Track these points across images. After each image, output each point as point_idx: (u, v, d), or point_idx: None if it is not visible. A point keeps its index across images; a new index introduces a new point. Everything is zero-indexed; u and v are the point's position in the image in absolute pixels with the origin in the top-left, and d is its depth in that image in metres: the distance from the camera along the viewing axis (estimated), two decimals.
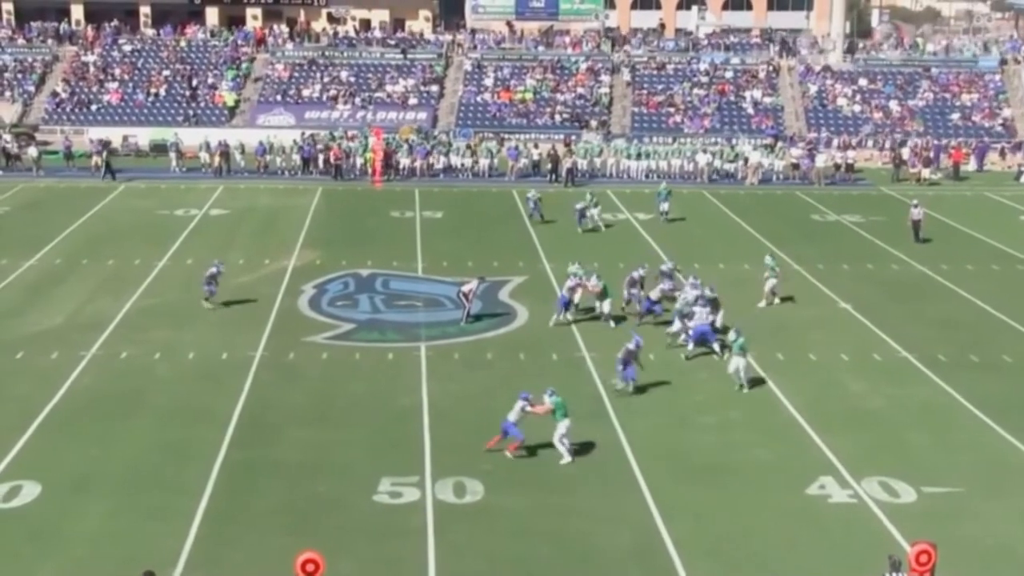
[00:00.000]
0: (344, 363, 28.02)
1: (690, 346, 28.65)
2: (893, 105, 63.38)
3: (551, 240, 41.03)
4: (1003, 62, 66.56)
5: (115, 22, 71.66)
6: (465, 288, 31.52)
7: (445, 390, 26.19)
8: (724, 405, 25.19)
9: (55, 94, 64.11)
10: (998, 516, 20.51)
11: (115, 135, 57.62)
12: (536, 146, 56.58)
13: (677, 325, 29.24)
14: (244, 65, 66.55)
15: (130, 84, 65.02)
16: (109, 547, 18.89)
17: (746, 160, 54.21)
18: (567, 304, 30.80)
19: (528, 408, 22.41)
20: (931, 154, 55.95)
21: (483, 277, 32.69)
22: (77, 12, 75.54)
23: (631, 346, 25.75)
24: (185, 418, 24.48)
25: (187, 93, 63.97)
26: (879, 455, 22.96)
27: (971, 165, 57.43)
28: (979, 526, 19.98)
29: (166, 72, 66.07)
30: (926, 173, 54.23)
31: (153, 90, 64.34)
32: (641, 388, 26.09)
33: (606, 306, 30.91)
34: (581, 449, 22.87)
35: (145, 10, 75.73)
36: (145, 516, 19.94)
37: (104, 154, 52.32)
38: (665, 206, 45.11)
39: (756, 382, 26.76)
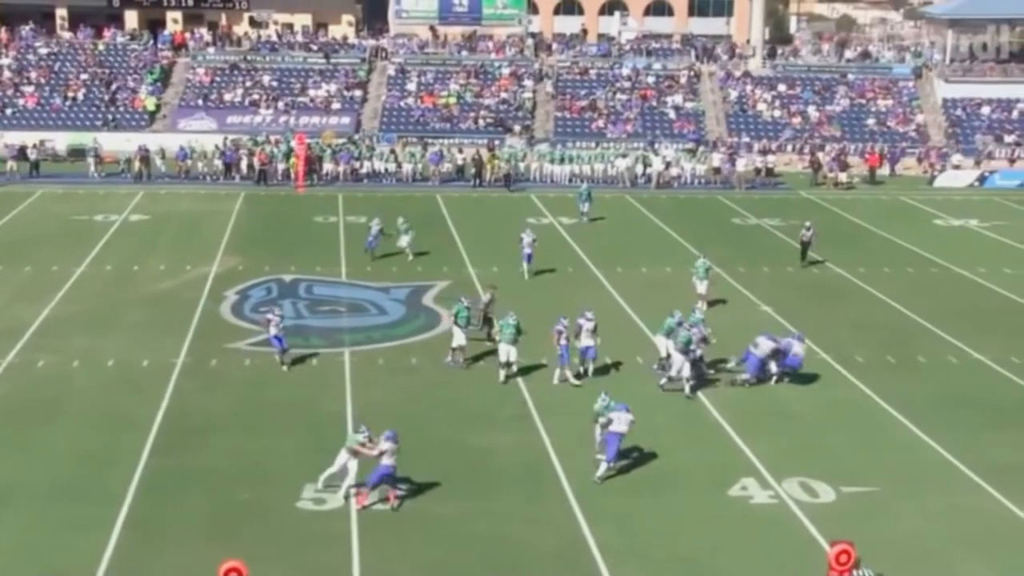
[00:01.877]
0: (267, 369, 27.79)
1: (747, 375, 26.97)
2: (811, 110, 64.35)
3: (476, 245, 41.08)
4: (917, 71, 67.88)
5: (31, 24, 70.34)
6: (483, 305, 29.81)
7: (369, 396, 26.11)
8: (649, 409, 25.29)
9: None
10: (914, 514, 20.95)
11: (31, 139, 56.47)
12: (461, 151, 56.59)
13: (679, 361, 26.51)
14: (158, 69, 65.58)
15: (47, 88, 63.83)
16: (27, 559, 18.55)
17: (667, 164, 54.83)
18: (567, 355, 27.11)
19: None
20: (844, 158, 56.98)
21: (495, 286, 31.09)
22: None
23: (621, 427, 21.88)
24: (105, 426, 24.13)
25: (106, 97, 62.99)
26: (799, 456, 23.33)
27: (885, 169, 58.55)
28: (896, 524, 20.38)
29: (84, 76, 65.00)
30: (843, 177, 55.19)
31: (70, 94, 63.22)
32: (568, 392, 26.31)
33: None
34: (506, 453, 22.93)
35: (62, 12, 74.43)
36: (64, 526, 19.63)
37: None
38: (585, 207, 45.50)
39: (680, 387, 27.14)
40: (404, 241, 38.79)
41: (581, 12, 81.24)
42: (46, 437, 23.53)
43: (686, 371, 26.32)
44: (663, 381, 26.66)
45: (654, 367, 27.93)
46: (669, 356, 27.16)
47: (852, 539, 16.93)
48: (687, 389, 26.37)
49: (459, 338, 28.11)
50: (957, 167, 58.09)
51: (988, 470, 22.68)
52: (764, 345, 27.03)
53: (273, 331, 27.65)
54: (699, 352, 26.95)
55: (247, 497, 20.86)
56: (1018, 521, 20.78)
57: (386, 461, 20.26)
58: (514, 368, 27.07)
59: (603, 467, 21.84)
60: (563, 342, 26.89)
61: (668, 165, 54.96)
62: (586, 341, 27.28)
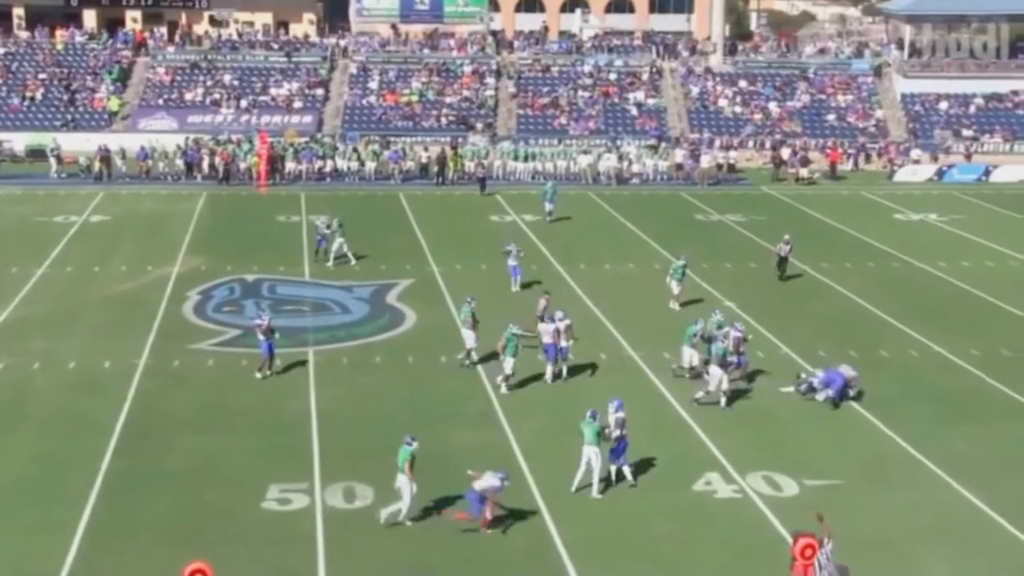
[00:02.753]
0: (231, 370, 27.68)
1: (822, 396, 26.19)
2: (772, 106, 64.71)
3: (438, 243, 41.05)
4: (876, 67, 68.39)
5: None
6: (540, 312, 28.95)
7: (333, 395, 26.07)
8: None
9: None
10: (875, 507, 21.15)
11: None
12: (426, 149, 56.51)
13: (718, 375, 25.84)
14: (117, 68, 65.03)
15: (3, 88, 63.23)
16: None
17: (629, 162, 55.01)
18: (556, 352, 27.29)
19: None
20: (805, 153, 57.34)
21: (548, 292, 30.99)
22: None
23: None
24: (66, 428, 23.98)
25: (65, 97, 62.47)
26: (763, 450, 23.49)
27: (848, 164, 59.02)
28: (858, 516, 20.54)
29: (42, 75, 64.43)
30: (804, 172, 55.53)
31: (29, 94, 62.66)
32: (533, 390, 26.37)
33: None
34: (471, 451, 22.94)
35: (19, 11, 73.69)
36: (25, 530, 19.49)
37: None
38: (549, 206, 45.42)
39: (644, 383, 27.17)
40: (335, 245, 37.49)
41: (542, 9, 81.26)
42: (7, 440, 23.35)
43: (725, 384, 25.89)
44: (699, 395, 26.00)
45: (675, 368, 27.83)
46: (693, 367, 27.19)
47: (814, 531, 17.07)
48: (723, 402, 25.81)
49: (469, 340, 27.89)
50: (917, 162, 58.61)
51: (949, 462, 22.95)
52: (847, 371, 26.58)
53: (262, 337, 27.22)
54: (737, 360, 26.92)
55: (211, 498, 20.78)
56: (978, 512, 21.03)
57: (477, 486, 19.77)
58: (509, 382, 26.71)
59: (628, 471, 21.82)
60: (548, 340, 27.01)
61: (630, 163, 55.16)
62: (561, 341, 27.29)
